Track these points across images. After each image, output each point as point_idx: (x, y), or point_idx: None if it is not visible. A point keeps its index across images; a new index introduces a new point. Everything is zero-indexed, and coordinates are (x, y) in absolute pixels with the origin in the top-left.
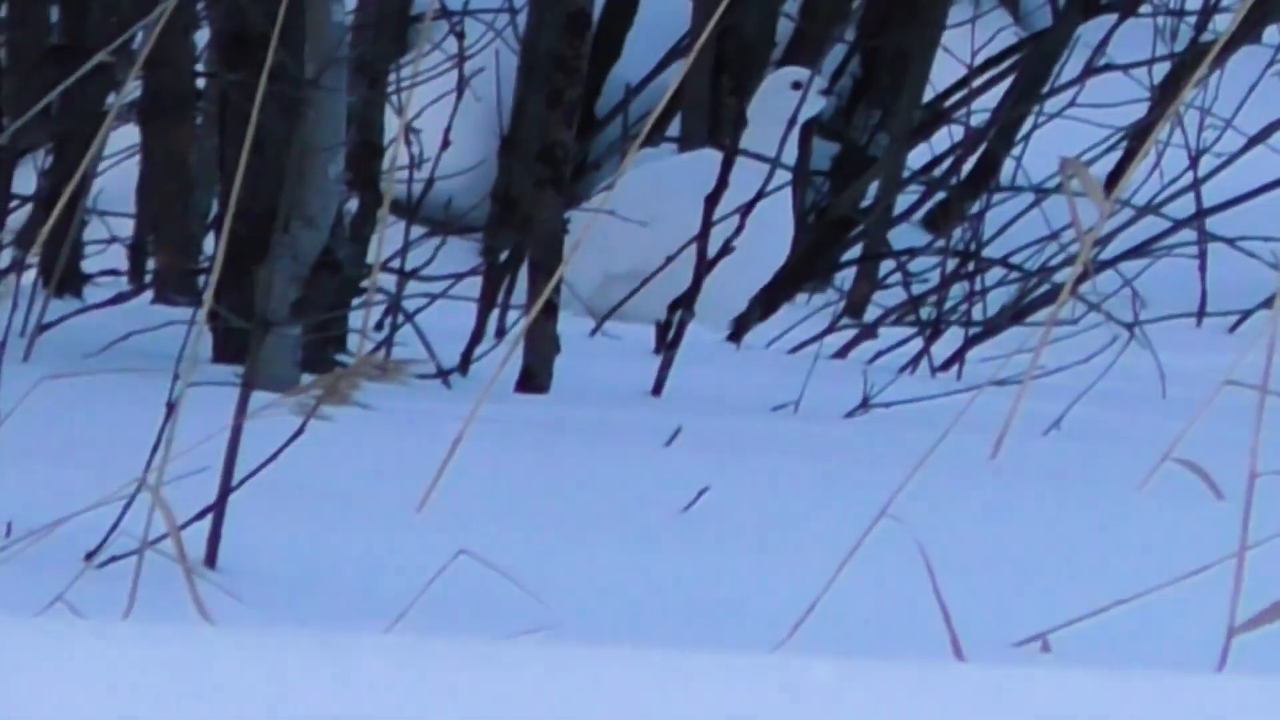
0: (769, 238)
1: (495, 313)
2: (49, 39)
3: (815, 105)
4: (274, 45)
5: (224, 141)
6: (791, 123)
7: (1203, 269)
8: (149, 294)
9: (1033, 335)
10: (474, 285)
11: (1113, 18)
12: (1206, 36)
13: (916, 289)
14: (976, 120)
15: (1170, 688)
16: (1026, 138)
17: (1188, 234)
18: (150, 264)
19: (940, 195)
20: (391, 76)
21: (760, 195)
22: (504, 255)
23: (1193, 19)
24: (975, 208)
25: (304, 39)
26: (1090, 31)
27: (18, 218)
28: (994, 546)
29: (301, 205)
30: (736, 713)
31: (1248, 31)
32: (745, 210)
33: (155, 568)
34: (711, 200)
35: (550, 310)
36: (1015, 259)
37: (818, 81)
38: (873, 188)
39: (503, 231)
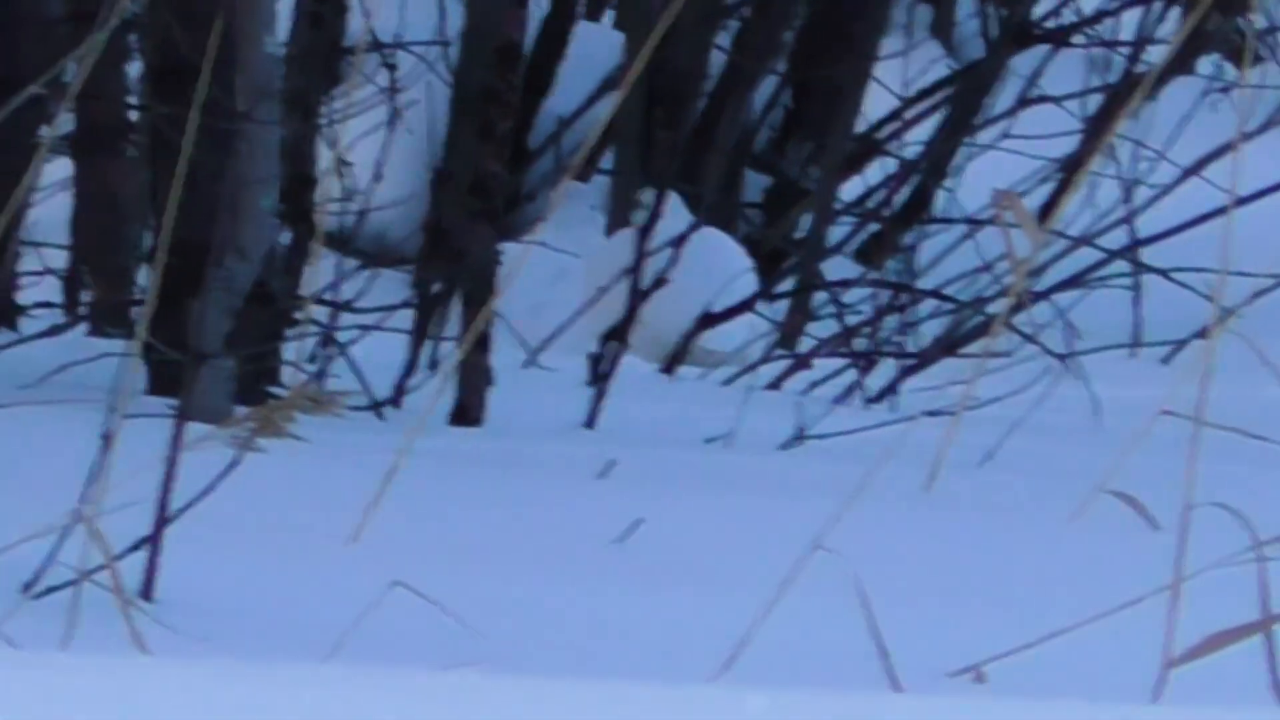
0: (708, 271)
1: (428, 345)
2: None
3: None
4: (206, 78)
5: (157, 174)
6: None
7: (1137, 300)
8: (83, 326)
9: (967, 366)
10: (407, 317)
11: (1045, 49)
12: (1140, 68)
13: (850, 320)
14: (909, 152)
15: (1106, 719)
16: (960, 169)
17: (1122, 265)
18: (84, 296)
19: (873, 227)
20: (324, 109)
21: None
22: (437, 287)
23: (1126, 50)
24: (909, 239)
25: (236, 71)
26: (1023, 63)
27: None
28: (929, 578)
29: (235, 238)
30: None
31: (1181, 63)
32: (678, 242)
33: (92, 599)
34: (644, 232)
35: (483, 342)
36: (949, 290)
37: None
38: (806, 219)
39: (435, 263)
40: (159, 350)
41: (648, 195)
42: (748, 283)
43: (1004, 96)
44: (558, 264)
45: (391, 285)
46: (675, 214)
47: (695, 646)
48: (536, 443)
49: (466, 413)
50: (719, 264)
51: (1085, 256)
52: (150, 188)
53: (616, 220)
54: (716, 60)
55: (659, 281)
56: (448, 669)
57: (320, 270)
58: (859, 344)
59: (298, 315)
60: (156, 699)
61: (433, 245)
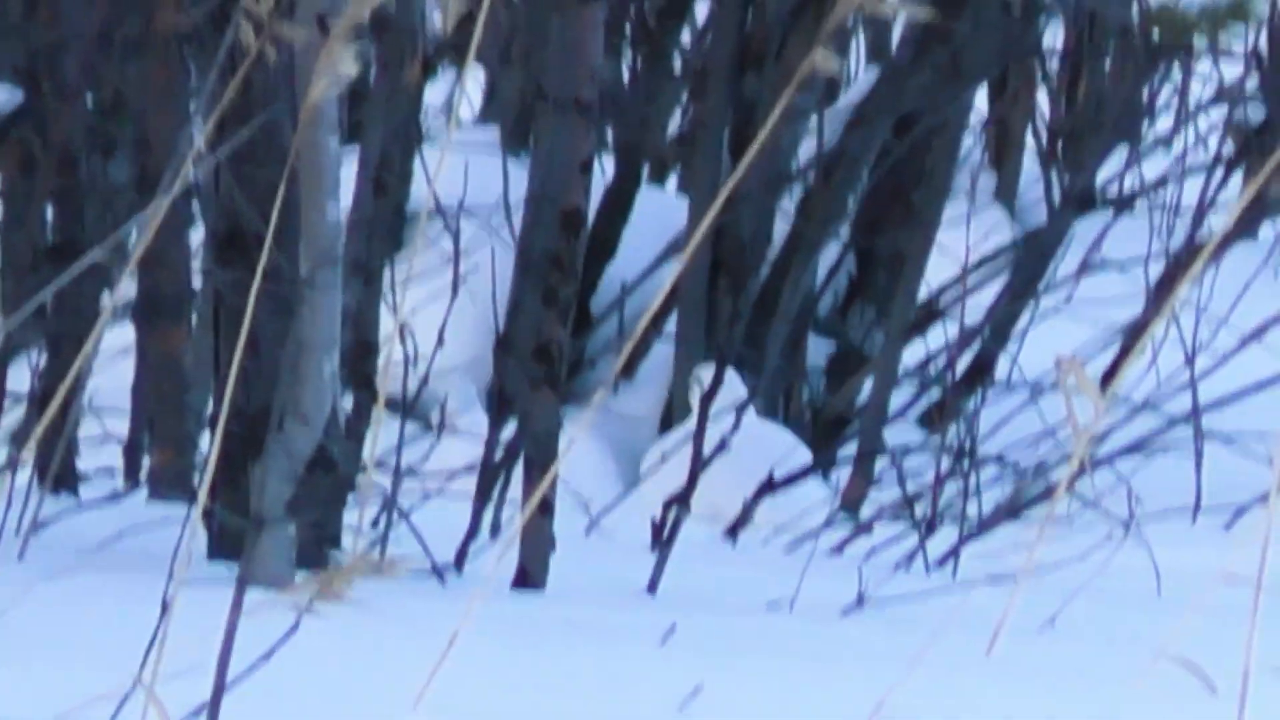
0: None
1: (490, 510)
2: (44, 239)
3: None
4: (268, 244)
5: (219, 340)
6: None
7: (1198, 466)
8: (144, 492)
9: (1028, 532)
10: (469, 482)
11: (1108, 215)
12: (1202, 233)
13: (912, 486)
14: (971, 318)
15: None
16: (1022, 335)
17: (1184, 430)
18: (145, 462)
19: (936, 393)
20: (386, 275)
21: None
22: (499, 453)
23: (1188, 216)
24: (971, 405)
25: (299, 237)
26: (1085, 228)
27: (13, 416)
28: None
29: (296, 403)
30: None
31: (1242, 228)
32: (740, 409)
33: None
34: (706, 400)
35: (546, 508)
36: (1011, 456)
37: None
38: (868, 385)
39: (497, 429)
40: (220, 516)
41: (705, 371)
42: (800, 456)
43: (1066, 262)
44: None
45: (453, 451)
46: (732, 385)
47: None
48: (598, 608)
49: (529, 577)
50: (769, 437)
51: (1147, 422)
52: (212, 354)
53: (678, 386)
54: (780, 226)
55: (721, 445)
56: None
57: (382, 436)
58: (921, 509)
59: (359, 481)
60: None
61: (495, 411)
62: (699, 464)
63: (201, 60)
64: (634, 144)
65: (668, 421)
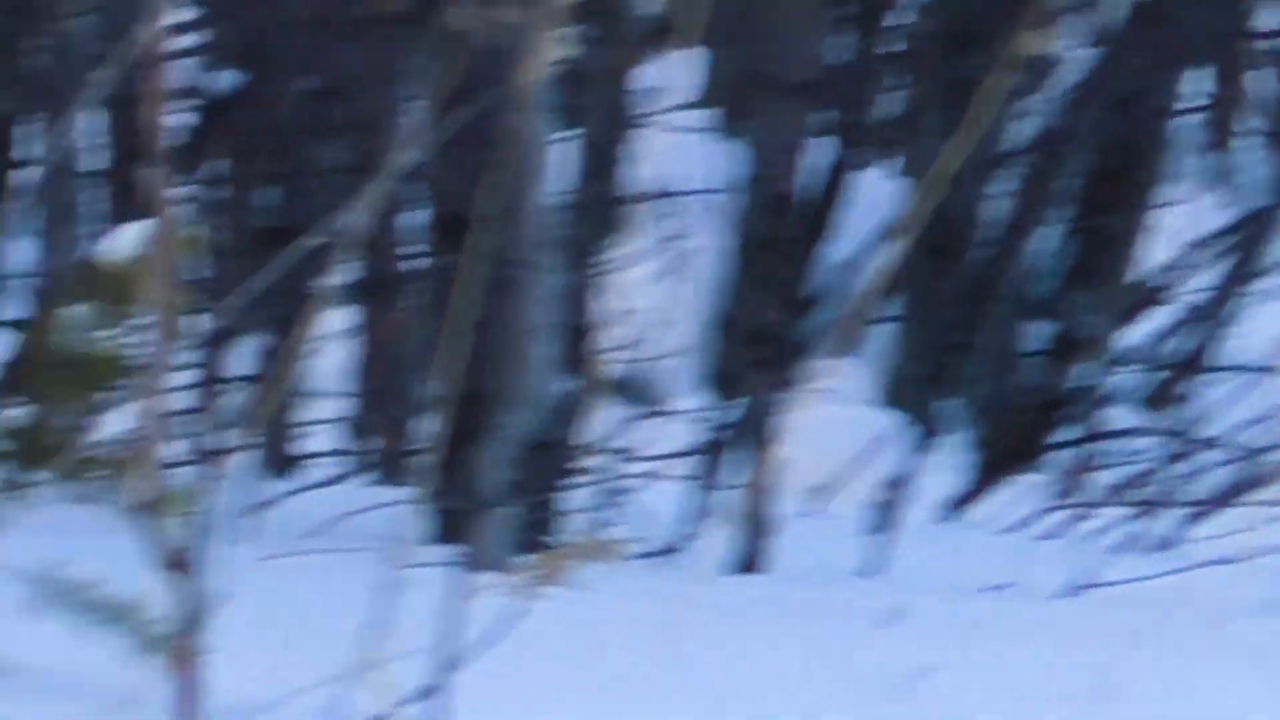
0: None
1: (711, 492)
2: (263, 222)
3: None
4: (488, 226)
5: (438, 323)
6: None
7: None
8: (367, 474)
9: (1251, 515)
10: (689, 465)
11: None
12: None
13: (1133, 469)
14: (1192, 300)
15: None
16: (1244, 317)
17: None
18: (367, 445)
19: (1157, 375)
20: (604, 257)
21: None
22: (719, 435)
23: None
24: (1191, 387)
25: (517, 220)
26: None
27: (237, 399)
28: None
29: (516, 386)
30: None
31: None
32: None
33: None
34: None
35: (765, 489)
36: (1233, 438)
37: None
38: (1088, 368)
39: (716, 411)
40: (441, 499)
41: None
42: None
43: None
44: (840, 411)
45: (673, 433)
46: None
47: None
48: (819, 590)
49: (749, 560)
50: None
51: None
52: (432, 336)
53: (897, 369)
54: (998, 208)
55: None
56: None
57: (602, 418)
58: (1142, 493)
59: (579, 463)
60: None
61: (713, 393)
62: (916, 450)
63: (419, 42)
64: (850, 125)
65: (887, 405)
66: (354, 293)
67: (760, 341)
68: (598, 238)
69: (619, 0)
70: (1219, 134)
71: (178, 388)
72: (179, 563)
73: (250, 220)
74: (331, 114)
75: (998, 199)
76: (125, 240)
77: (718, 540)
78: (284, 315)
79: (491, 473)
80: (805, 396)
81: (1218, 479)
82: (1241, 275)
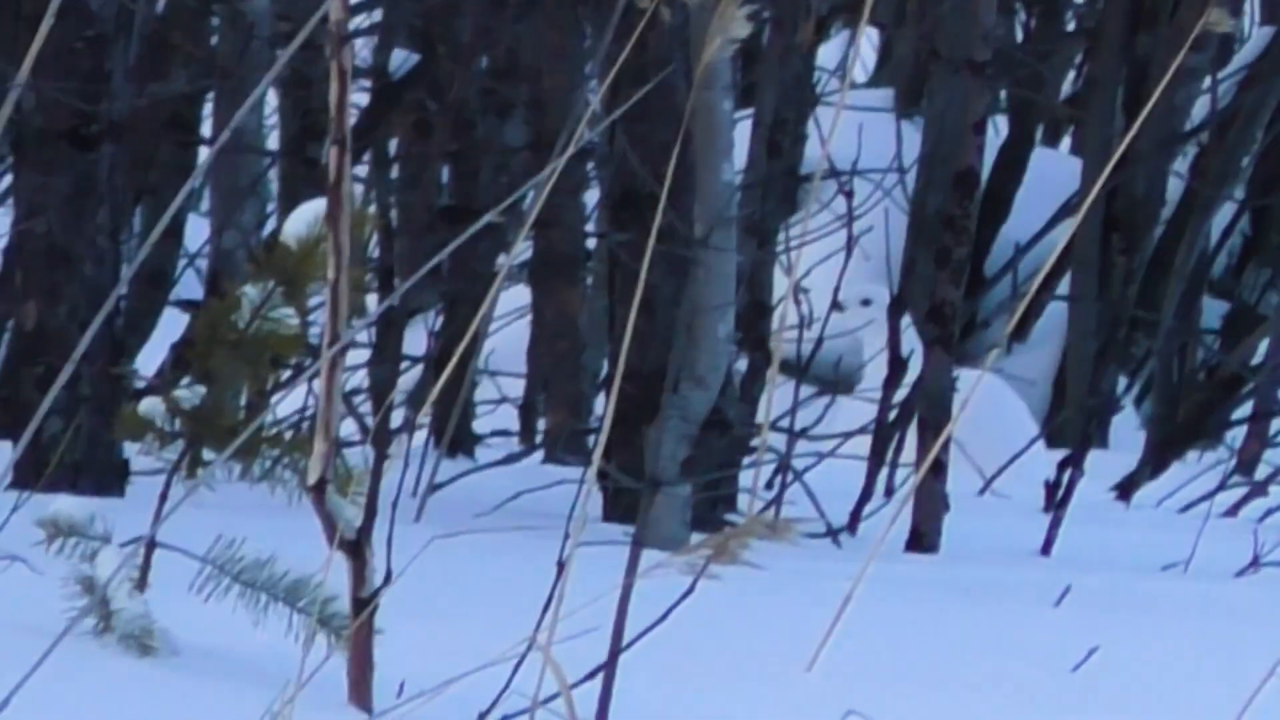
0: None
1: (884, 471)
2: (440, 200)
3: None
4: (663, 205)
5: (613, 301)
6: None
7: None
8: (539, 454)
9: None
10: (863, 444)
11: None
12: None
13: None
14: None
15: None
16: None
17: None
18: (541, 424)
19: None
20: (781, 236)
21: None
22: (893, 414)
23: None
24: None
25: (693, 199)
26: None
27: (409, 378)
28: None
29: (691, 365)
30: None
31: None
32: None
33: None
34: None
35: (939, 468)
36: None
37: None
38: (1263, 345)
39: (892, 390)
40: (614, 477)
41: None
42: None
43: None
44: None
45: (847, 412)
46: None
47: None
48: (992, 569)
49: (922, 539)
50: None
51: None
52: (607, 315)
53: (1073, 347)
54: (1174, 186)
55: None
56: None
57: (777, 397)
58: None
59: (754, 442)
60: None
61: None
62: (1090, 429)
63: (596, 21)
64: (1028, 104)
65: (1061, 383)
66: (530, 271)
67: (936, 319)
68: (775, 216)
69: None
70: None
71: (353, 367)
72: (352, 542)
73: (427, 199)
74: (508, 92)
75: (1175, 177)
76: (302, 219)
77: (891, 520)
78: (460, 294)
79: (666, 451)
80: (982, 375)
81: None
82: None
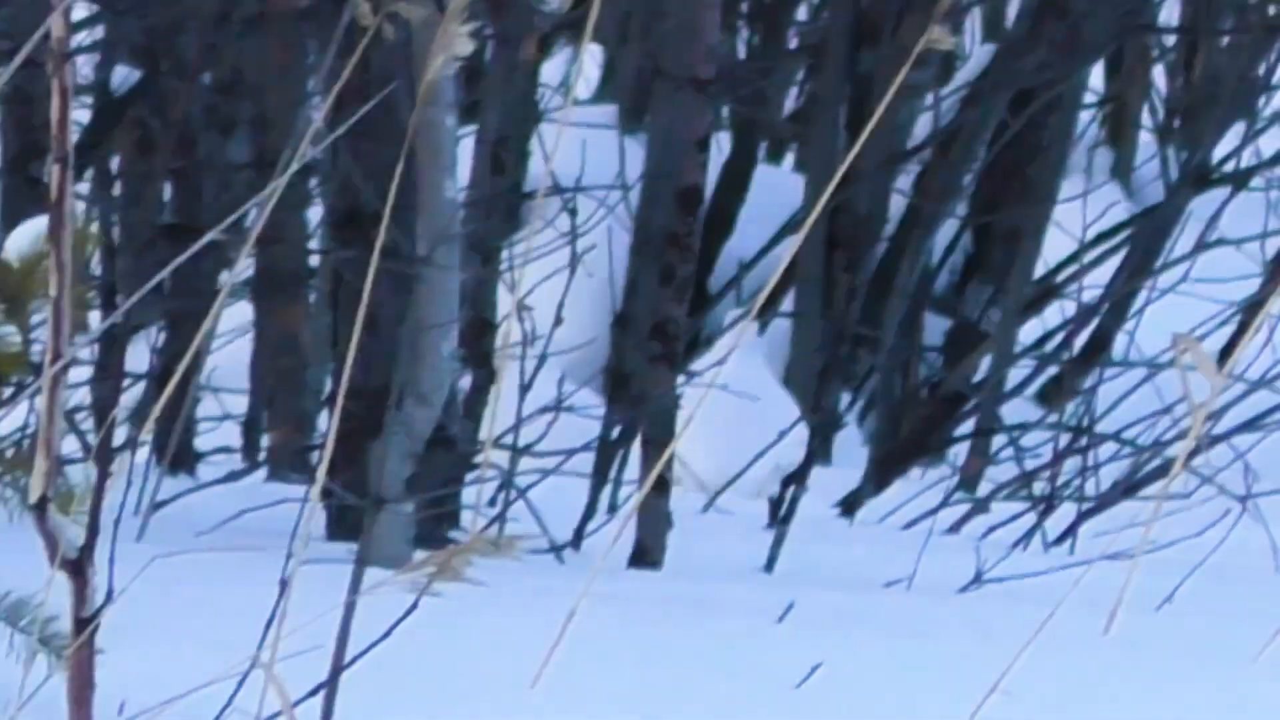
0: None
1: (608, 488)
2: (161, 217)
3: None
4: (386, 222)
5: (337, 318)
6: None
7: None
8: (262, 471)
9: (1146, 509)
10: (586, 461)
11: (1224, 192)
12: None
13: (1029, 464)
14: (1089, 295)
15: None
16: (1139, 312)
17: None
18: (264, 441)
19: (1053, 370)
20: (504, 253)
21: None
22: (616, 431)
23: None
24: (1088, 382)
25: (416, 216)
26: (1202, 206)
27: (131, 395)
28: None
29: (415, 382)
30: None
31: None
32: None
33: None
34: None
35: (663, 486)
36: (1128, 433)
37: None
38: (985, 363)
39: (615, 408)
40: (338, 495)
41: None
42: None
43: (1183, 240)
44: (737, 407)
45: (571, 429)
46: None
47: None
48: (716, 586)
49: (646, 555)
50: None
51: (1264, 399)
52: (330, 332)
53: (795, 363)
54: (896, 203)
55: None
56: None
57: (500, 414)
58: (1038, 487)
59: (477, 459)
60: None
61: (613, 389)
62: (814, 444)
63: (319, 38)
64: (750, 121)
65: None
66: (253, 288)
67: (660, 337)
68: (499, 233)
69: None
70: (1116, 128)
71: (76, 384)
72: (74, 561)
73: (150, 216)
74: (231, 109)
75: (897, 194)
76: (24, 236)
77: (615, 537)
78: (183, 311)
79: (389, 469)
80: (704, 391)
81: (1113, 474)
82: (1138, 270)
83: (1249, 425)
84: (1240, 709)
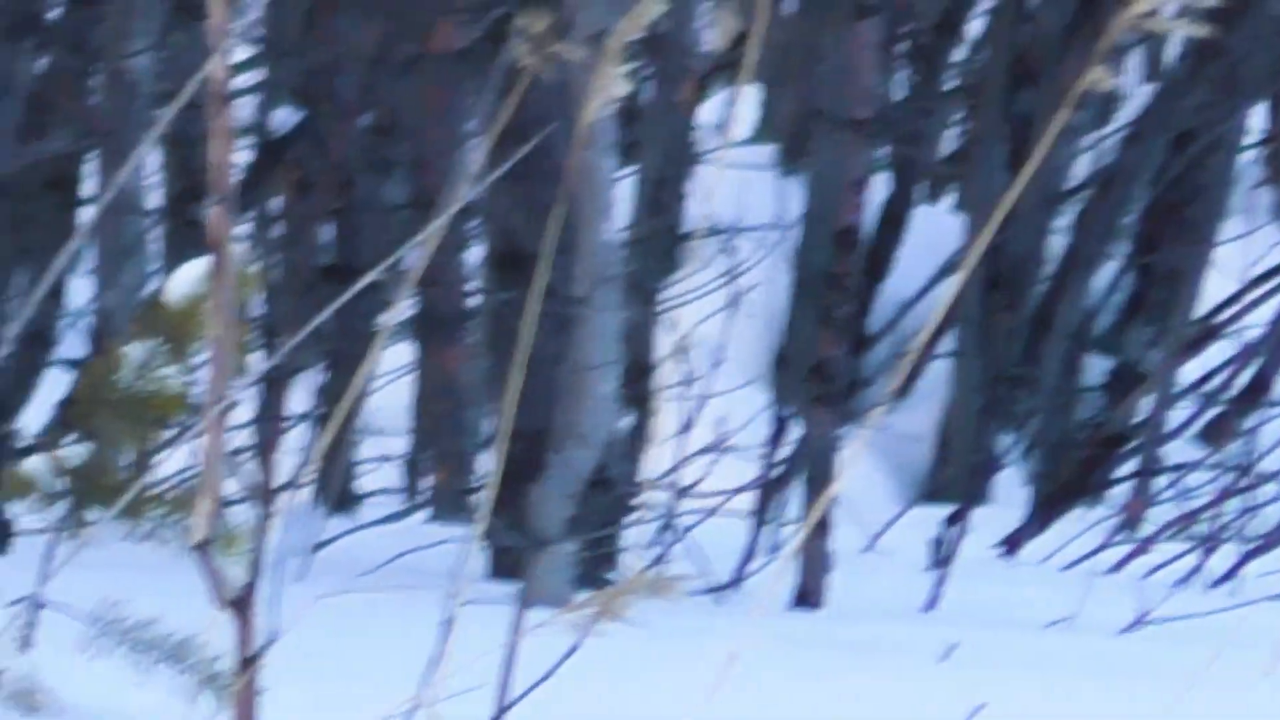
0: None
1: (769, 528)
2: (322, 259)
3: None
4: (546, 263)
5: (496, 360)
6: None
7: None
8: (423, 512)
9: None
10: (747, 501)
11: None
12: None
13: (1192, 504)
14: (1250, 335)
15: None
16: None
17: None
18: (424, 482)
19: (1215, 410)
20: (663, 294)
21: None
22: (777, 471)
23: None
24: (1250, 423)
25: (576, 257)
26: None
27: (293, 437)
28: None
29: (575, 423)
30: None
31: None
32: None
33: None
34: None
35: (824, 526)
36: None
37: None
38: (1147, 403)
39: (776, 448)
40: (499, 535)
41: None
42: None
43: None
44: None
45: (731, 470)
46: None
47: None
48: (877, 626)
49: (807, 596)
50: None
51: None
52: (490, 373)
53: (955, 403)
54: (1057, 243)
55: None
56: None
57: (660, 455)
58: (1201, 527)
59: (638, 500)
60: None
61: (773, 430)
62: (976, 484)
63: (477, 79)
64: (909, 161)
65: (944, 440)
66: (413, 330)
67: (819, 377)
68: (658, 274)
69: (679, 37)
70: (1277, 168)
71: (237, 426)
72: (237, 601)
73: (309, 257)
74: (390, 150)
75: (1057, 234)
76: (185, 278)
77: (775, 577)
78: (343, 352)
79: (550, 509)
80: (865, 432)
81: (1277, 514)
82: None
83: None
84: None
